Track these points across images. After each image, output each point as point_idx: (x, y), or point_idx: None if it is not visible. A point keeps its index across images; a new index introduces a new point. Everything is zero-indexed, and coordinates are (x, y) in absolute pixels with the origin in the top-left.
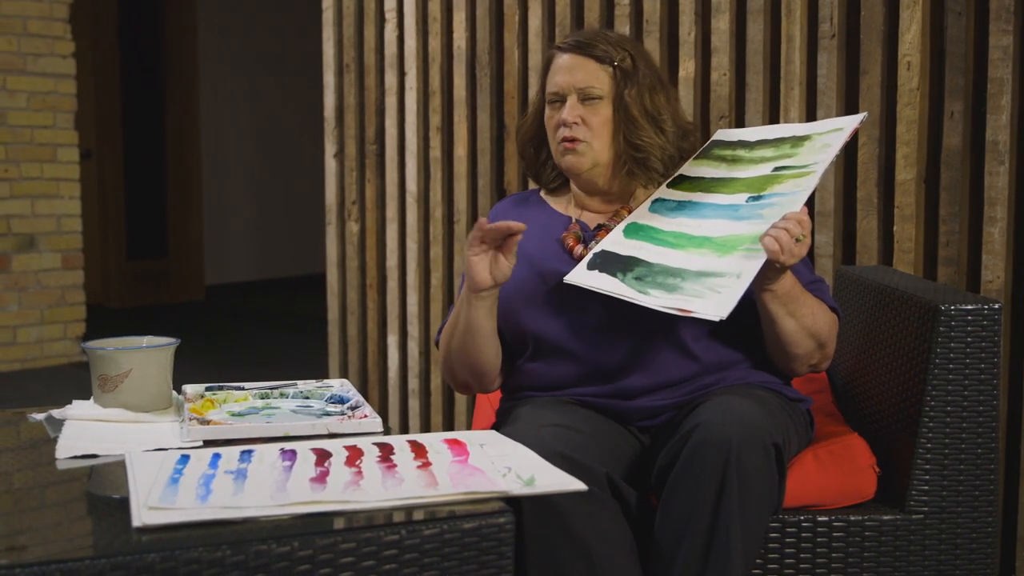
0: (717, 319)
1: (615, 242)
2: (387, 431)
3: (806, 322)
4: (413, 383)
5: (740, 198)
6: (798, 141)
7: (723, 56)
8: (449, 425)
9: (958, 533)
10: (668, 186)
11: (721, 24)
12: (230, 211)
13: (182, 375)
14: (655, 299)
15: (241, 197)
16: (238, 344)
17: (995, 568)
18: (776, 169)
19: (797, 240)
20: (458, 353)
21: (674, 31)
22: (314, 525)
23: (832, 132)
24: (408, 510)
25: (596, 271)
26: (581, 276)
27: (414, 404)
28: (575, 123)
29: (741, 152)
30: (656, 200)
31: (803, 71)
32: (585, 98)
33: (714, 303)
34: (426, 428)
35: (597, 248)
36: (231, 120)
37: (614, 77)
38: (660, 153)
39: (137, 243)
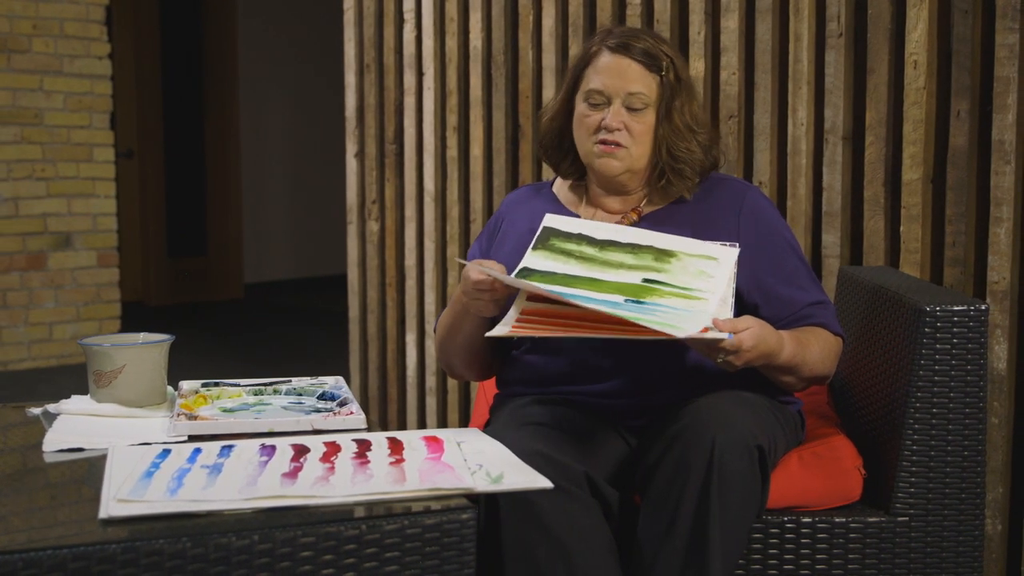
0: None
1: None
2: (387, 427)
3: (804, 374)
4: (431, 381)
5: (616, 298)
6: (662, 255)
7: (732, 55)
8: (465, 422)
9: (943, 536)
10: (517, 277)
11: (730, 23)
12: (269, 210)
13: (216, 372)
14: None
15: (280, 196)
16: (274, 342)
17: (980, 571)
18: (647, 281)
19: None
20: (455, 348)
21: (684, 30)
22: (276, 519)
23: (702, 258)
24: (371, 505)
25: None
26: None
27: (431, 402)
28: (618, 128)
29: (588, 250)
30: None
31: (811, 70)
32: (630, 105)
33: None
34: (442, 425)
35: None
36: (270, 120)
37: (661, 86)
38: (699, 166)
39: (177, 241)
